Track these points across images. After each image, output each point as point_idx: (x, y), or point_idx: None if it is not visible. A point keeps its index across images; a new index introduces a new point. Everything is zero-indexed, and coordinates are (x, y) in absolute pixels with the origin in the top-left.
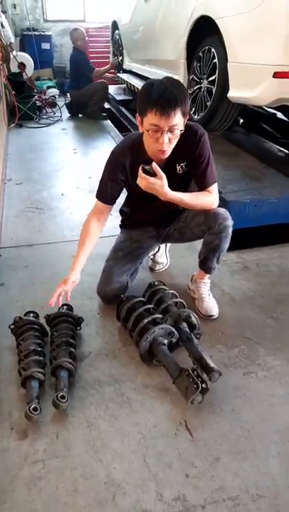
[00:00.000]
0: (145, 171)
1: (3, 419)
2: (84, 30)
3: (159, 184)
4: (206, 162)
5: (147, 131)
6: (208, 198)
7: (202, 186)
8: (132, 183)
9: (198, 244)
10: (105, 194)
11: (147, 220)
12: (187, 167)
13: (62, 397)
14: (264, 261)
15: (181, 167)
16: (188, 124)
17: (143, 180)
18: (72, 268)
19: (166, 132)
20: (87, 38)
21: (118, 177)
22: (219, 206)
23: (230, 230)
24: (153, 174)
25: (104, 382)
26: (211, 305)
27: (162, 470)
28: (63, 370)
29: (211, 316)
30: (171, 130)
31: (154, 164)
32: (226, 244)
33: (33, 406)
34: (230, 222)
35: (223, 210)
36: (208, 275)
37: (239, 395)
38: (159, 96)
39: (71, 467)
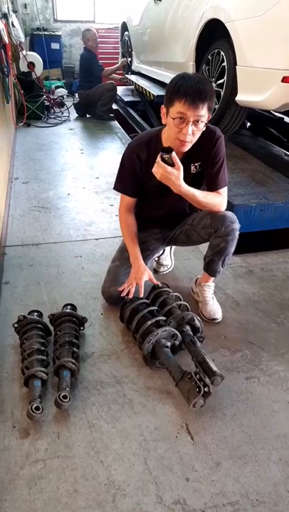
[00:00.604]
0: (163, 160)
1: (6, 418)
2: (96, 31)
3: (175, 175)
4: (220, 164)
5: (173, 119)
6: (218, 199)
7: (213, 188)
8: (145, 177)
9: (203, 247)
10: (129, 187)
11: (154, 220)
12: (201, 167)
13: (65, 396)
14: (269, 265)
15: (196, 167)
16: (207, 125)
17: (160, 169)
18: (137, 260)
19: (191, 123)
20: (98, 39)
21: (136, 170)
22: (226, 210)
23: (237, 233)
24: (171, 164)
25: (107, 383)
26: (214, 308)
27: (163, 473)
28: (66, 370)
29: (215, 319)
30: (196, 121)
31: (173, 154)
32: (232, 248)
33: (35, 405)
34: (237, 226)
35: (230, 213)
36: (212, 278)
37: (241, 399)
38: (190, 87)
39: (72, 467)
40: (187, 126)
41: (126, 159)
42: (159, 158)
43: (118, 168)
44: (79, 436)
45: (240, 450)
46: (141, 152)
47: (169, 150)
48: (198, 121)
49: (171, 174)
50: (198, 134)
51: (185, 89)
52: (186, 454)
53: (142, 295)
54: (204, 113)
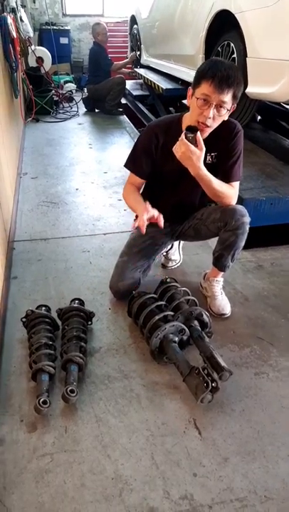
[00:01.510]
0: (187, 139)
1: (14, 411)
2: (105, 26)
3: (197, 155)
4: (237, 158)
5: (197, 99)
6: (231, 191)
7: (227, 180)
8: (161, 161)
9: (212, 242)
10: (140, 167)
11: (165, 212)
12: (216, 159)
13: (72, 391)
14: (279, 260)
15: (212, 157)
16: (228, 118)
17: (183, 146)
18: (141, 203)
19: (214, 107)
20: (108, 33)
21: (151, 150)
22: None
23: (248, 227)
24: (194, 144)
25: (114, 378)
26: (223, 304)
27: (170, 468)
28: (73, 365)
29: (223, 314)
30: (218, 106)
31: (198, 134)
32: (242, 242)
33: (42, 399)
34: (247, 219)
35: (240, 207)
36: (221, 273)
37: (250, 395)
38: (219, 70)
39: (79, 461)
40: (209, 109)
41: (142, 138)
42: (182, 136)
43: (132, 147)
44: (86, 430)
45: (249, 446)
46: (160, 134)
47: (193, 129)
48: (221, 107)
49: (194, 154)
50: (218, 121)
51: (214, 71)
52: (194, 450)
53: (161, 223)
54: (228, 99)
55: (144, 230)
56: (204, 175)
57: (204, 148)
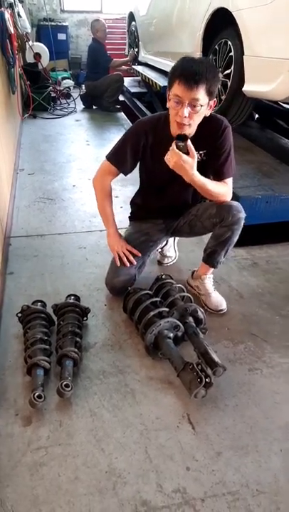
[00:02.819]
0: (178, 148)
1: (9, 406)
2: (105, 22)
3: (189, 163)
4: (227, 154)
5: (169, 100)
6: (224, 189)
7: (219, 177)
8: (150, 162)
9: (207, 238)
10: (121, 158)
11: (159, 209)
12: (206, 156)
13: (67, 385)
14: (274, 258)
15: (200, 155)
16: (215, 115)
17: (175, 156)
18: (112, 227)
19: (187, 106)
20: (107, 30)
21: (140, 145)
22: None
23: (242, 222)
24: (186, 152)
25: (109, 373)
26: (219, 299)
27: (163, 462)
28: (68, 360)
29: (221, 310)
30: (192, 104)
31: (188, 142)
32: (236, 238)
33: (37, 393)
34: (243, 215)
35: (236, 203)
36: (212, 269)
37: (243, 390)
38: (186, 68)
39: (73, 455)
40: (183, 108)
41: (131, 134)
42: (173, 146)
43: (118, 140)
44: (81, 424)
45: (242, 441)
46: (149, 132)
47: (184, 137)
48: (194, 105)
49: (186, 162)
50: (197, 118)
51: (181, 70)
52: (187, 444)
53: (139, 254)
54: (201, 96)
55: (127, 263)
56: (198, 180)
57: (196, 155)
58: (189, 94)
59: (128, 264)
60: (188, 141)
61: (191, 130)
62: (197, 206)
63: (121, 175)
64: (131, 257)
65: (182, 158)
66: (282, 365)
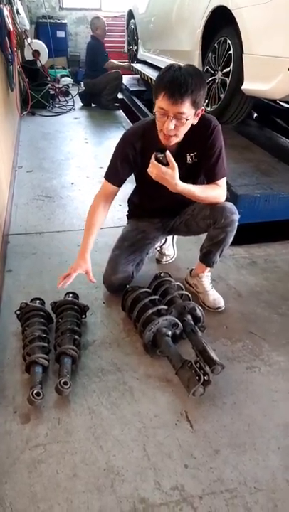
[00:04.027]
0: (158, 160)
1: (7, 403)
2: (105, 20)
3: (170, 174)
4: (217, 155)
5: (156, 111)
6: (216, 192)
7: (211, 179)
8: (143, 169)
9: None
10: (114, 175)
11: (155, 210)
12: (197, 158)
13: (65, 383)
14: (272, 256)
15: (191, 157)
16: (203, 115)
17: (155, 169)
18: (85, 253)
19: (172, 118)
20: (106, 28)
21: (129, 157)
22: (228, 200)
23: (236, 224)
24: (165, 163)
25: (108, 371)
26: (217, 297)
27: (161, 459)
28: (67, 357)
29: (219, 308)
30: (177, 117)
31: (167, 153)
32: (231, 239)
33: (36, 391)
34: (236, 217)
35: (230, 204)
36: (208, 268)
37: (241, 388)
38: (171, 80)
39: (71, 452)
40: (168, 121)
41: (119, 148)
42: (153, 159)
43: (111, 157)
44: (79, 422)
45: (239, 438)
46: (136, 142)
47: (162, 150)
48: (180, 118)
49: (166, 174)
50: (184, 128)
51: (166, 81)
52: (185, 442)
53: (64, 287)
54: (186, 109)
55: (64, 285)
56: (183, 189)
57: (176, 166)
58: (174, 108)
59: (59, 285)
60: (168, 153)
61: (178, 139)
62: (194, 205)
63: None
64: (67, 282)
65: (162, 170)
66: (280, 363)
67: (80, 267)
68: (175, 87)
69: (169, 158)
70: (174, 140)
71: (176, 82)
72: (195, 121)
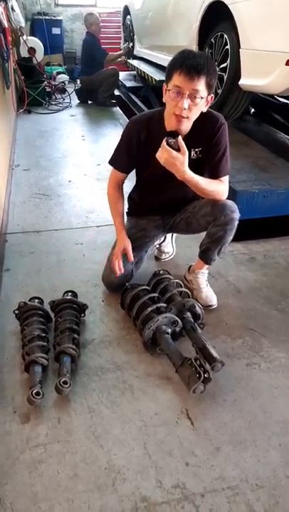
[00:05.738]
0: (168, 145)
1: (7, 403)
2: (98, 16)
3: (180, 160)
4: (222, 152)
5: (170, 91)
6: (220, 187)
7: (215, 176)
8: (144, 159)
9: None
10: (122, 162)
11: (154, 207)
12: (202, 154)
13: (65, 382)
14: (271, 252)
15: (196, 152)
16: (211, 111)
17: (165, 153)
18: (121, 233)
19: (187, 97)
20: (101, 24)
21: (133, 145)
22: (228, 197)
23: (236, 223)
24: (176, 149)
25: (107, 369)
26: (209, 295)
27: (162, 458)
28: (66, 356)
29: (211, 305)
30: (192, 96)
31: (179, 138)
32: (230, 238)
33: (35, 390)
34: (236, 215)
35: (231, 202)
36: (207, 266)
37: (242, 385)
38: (187, 59)
39: (72, 452)
40: (182, 99)
41: (125, 135)
42: (164, 143)
43: (117, 144)
44: (79, 421)
45: (240, 435)
46: (141, 130)
47: (174, 134)
48: (195, 97)
49: (176, 159)
50: (196, 111)
51: (182, 61)
52: (186, 439)
53: (130, 260)
54: (201, 88)
55: (117, 271)
56: (191, 178)
57: (187, 152)
58: (190, 84)
59: (117, 272)
60: (180, 138)
61: (188, 124)
62: (194, 203)
63: None
64: (120, 265)
65: (172, 154)
66: (280, 359)
67: (128, 245)
68: (192, 65)
69: (180, 144)
70: (186, 123)
71: (193, 61)
72: (205, 109)
